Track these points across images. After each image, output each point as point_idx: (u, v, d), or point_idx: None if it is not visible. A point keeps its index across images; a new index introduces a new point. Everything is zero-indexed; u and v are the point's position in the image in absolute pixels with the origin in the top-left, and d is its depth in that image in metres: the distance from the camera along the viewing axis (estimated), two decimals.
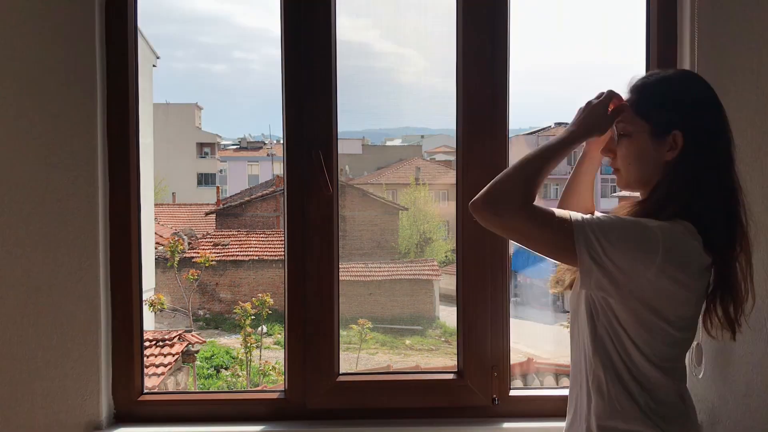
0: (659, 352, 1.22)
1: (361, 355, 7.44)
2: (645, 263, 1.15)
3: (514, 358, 5.53)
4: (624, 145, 1.30)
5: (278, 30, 1.81)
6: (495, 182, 1.21)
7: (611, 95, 1.30)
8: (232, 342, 10.14)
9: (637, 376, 1.22)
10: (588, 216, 1.19)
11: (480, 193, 1.21)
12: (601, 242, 1.15)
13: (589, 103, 1.31)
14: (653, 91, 1.27)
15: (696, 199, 1.21)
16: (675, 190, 1.22)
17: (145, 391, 1.85)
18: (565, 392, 1.95)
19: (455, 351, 1.87)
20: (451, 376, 1.86)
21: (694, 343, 1.74)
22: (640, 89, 1.29)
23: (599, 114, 1.29)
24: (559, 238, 1.17)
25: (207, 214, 16.40)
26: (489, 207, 1.19)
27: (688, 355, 1.77)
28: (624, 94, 1.31)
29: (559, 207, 1.49)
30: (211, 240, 13.67)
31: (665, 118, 1.24)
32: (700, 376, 1.73)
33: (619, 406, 1.23)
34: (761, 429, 1.74)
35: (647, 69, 1.85)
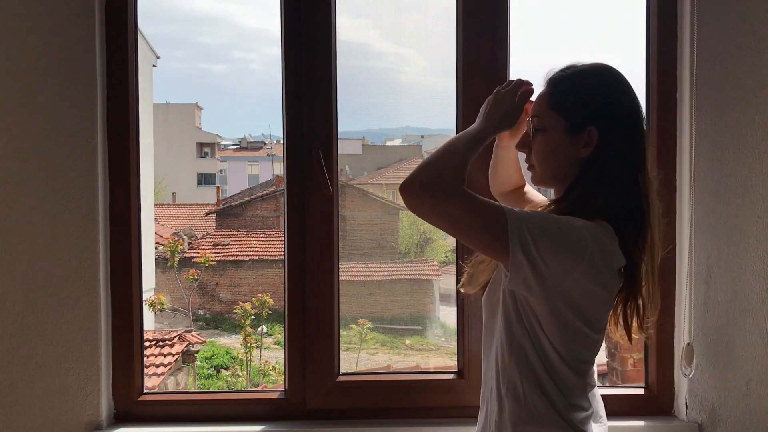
0: (577, 354, 1.20)
1: (361, 355, 7.44)
2: (573, 263, 1.13)
3: None
4: (539, 141, 1.26)
5: (278, 30, 1.81)
6: (426, 164, 1.16)
7: (520, 83, 1.28)
8: (232, 342, 10.14)
9: (554, 378, 1.20)
10: (519, 210, 1.15)
11: (411, 175, 1.16)
12: (534, 238, 1.11)
13: (497, 93, 1.29)
14: (570, 85, 1.24)
15: (613, 199, 1.19)
16: (592, 189, 1.20)
17: (145, 391, 1.85)
18: None
19: (455, 351, 1.87)
20: (451, 376, 1.86)
21: (685, 343, 1.74)
22: (556, 83, 1.25)
23: (508, 105, 1.26)
24: (491, 229, 1.12)
25: (207, 214, 16.40)
26: (424, 188, 1.13)
27: (679, 353, 1.77)
28: (541, 87, 1.28)
29: (490, 188, 1.49)
30: (211, 240, 13.67)
31: (581, 114, 1.21)
32: (691, 375, 1.73)
33: (535, 411, 1.20)
34: (761, 428, 1.74)
35: (647, 69, 1.85)
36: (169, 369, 6.68)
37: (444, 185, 1.13)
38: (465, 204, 1.13)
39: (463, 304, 1.83)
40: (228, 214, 15.54)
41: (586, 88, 1.23)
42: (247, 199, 15.85)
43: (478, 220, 1.13)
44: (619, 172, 1.19)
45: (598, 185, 1.20)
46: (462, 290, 1.39)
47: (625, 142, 1.20)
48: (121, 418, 1.79)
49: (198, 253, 10.39)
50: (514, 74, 1.85)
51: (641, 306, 1.25)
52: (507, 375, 1.22)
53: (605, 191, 1.19)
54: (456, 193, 1.13)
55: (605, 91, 1.22)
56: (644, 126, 1.24)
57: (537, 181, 1.30)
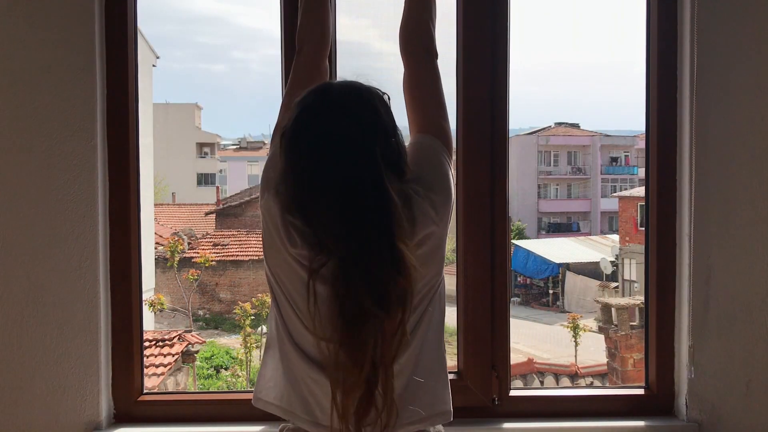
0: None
1: None
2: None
3: (514, 358, 5.53)
4: None
5: (277, 30, 1.81)
6: None
7: None
8: (232, 342, 10.15)
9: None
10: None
11: None
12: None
13: None
14: None
15: None
16: None
17: (145, 391, 1.84)
18: (565, 392, 1.96)
19: (455, 351, 1.87)
20: (451, 376, 1.86)
21: (690, 343, 1.73)
22: None
23: None
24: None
25: (207, 214, 16.42)
26: None
27: (679, 353, 1.77)
28: None
29: None
30: (211, 240, 13.68)
31: None
32: (692, 376, 1.73)
33: None
34: (761, 428, 1.74)
35: (647, 68, 1.85)
36: (169, 369, 6.68)
37: None
38: None
39: (463, 304, 1.83)
40: (228, 214, 15.56)
41: None
42: (246, 199, 15.87)
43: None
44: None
45: None
46: None
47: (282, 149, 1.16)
48: (120, 419, 1.79)
49: (198, 253, 10.39)
50: (514, 74, 1.85)
51: None
52: None
53: None
54: None
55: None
56: (296, 150, 1.13)
57: None
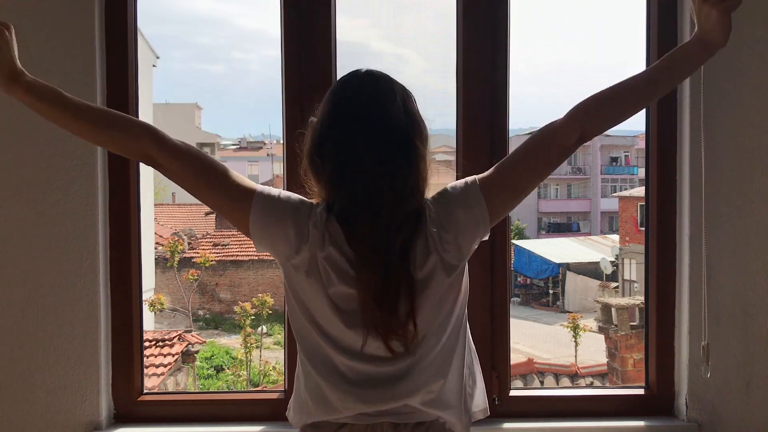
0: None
1: None
2: None
3: (514, 358, 5.53)
4: None
5: (276, 31, 1.81)
6: None
7: None
8: (232, 342, 10.14)
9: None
10: None
11: None
12: None
13: None
14: None
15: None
16: None
17: (145, 391, 1.85)
18: (565, 392, 1.96)
19: None
20: None
21: (704, 342, 1.73)
22: None
23: None
24: None
25: (207, 214, 16.41)
26: None
27: (679, 354, 1.76)
28: None
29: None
30: (211, 240, 13.68)
31: None
32: (708, 375, 1.72)
33: None
34: (761, 428, 1.74)
35: None
36: (169, 369, 6.67)
37: None
38: None
39: None
40: None
41: None
42: None
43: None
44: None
45: None
46: None
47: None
48: (120, 419, 1.79)
49: (198, 253, 10.37)
50: (514, 74, 1.85)
51: None
52: None
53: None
54: None
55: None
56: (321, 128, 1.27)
57: None
